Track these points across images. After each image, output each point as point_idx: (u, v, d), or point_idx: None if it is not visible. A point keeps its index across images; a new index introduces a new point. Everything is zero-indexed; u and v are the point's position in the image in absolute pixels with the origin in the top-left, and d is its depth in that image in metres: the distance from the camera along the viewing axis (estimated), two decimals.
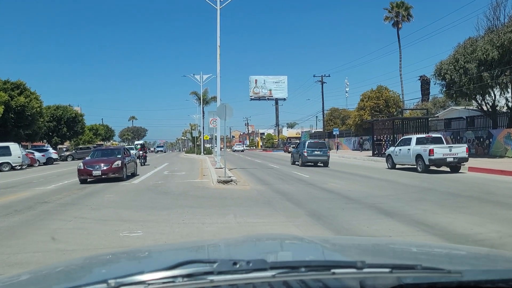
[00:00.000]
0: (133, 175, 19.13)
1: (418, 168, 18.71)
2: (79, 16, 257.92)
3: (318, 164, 24.47)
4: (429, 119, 30.97)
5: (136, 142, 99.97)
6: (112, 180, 16.42)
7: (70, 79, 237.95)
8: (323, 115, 58.80)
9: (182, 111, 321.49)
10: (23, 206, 10.61)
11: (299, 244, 2.26)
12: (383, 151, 30.76)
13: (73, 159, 43.60)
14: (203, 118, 51.70)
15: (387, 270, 1.17)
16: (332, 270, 1.15)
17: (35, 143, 48.02)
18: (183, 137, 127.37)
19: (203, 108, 51.77)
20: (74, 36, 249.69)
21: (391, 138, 30.65)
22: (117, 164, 16.79)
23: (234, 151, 70.40)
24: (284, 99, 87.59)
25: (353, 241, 2.78)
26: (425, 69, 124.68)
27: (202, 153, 45.83)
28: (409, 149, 19.71)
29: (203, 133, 48.96)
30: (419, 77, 50.94)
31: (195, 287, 1.10)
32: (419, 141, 19.70)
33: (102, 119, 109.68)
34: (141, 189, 14.08)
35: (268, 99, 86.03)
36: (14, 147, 29.51)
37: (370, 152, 37.05)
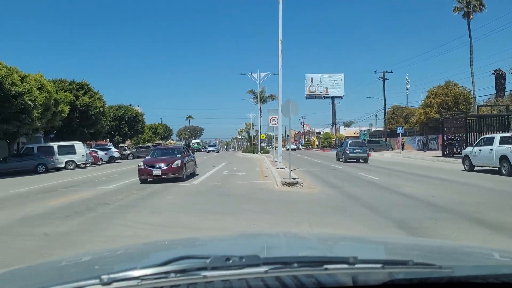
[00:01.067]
0: (193, 175, 18.66)
1: (503, 171, 16.67)
2: (135, 15, 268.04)
3: (360, 161, 27.74)
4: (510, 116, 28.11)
5: (193, 141, 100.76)
6: (171, 180, 15.96)
7: (130, 79, 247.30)
8: (385, 113, 56.10)
9: (237, 110, 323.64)
10: (84, 207, 10.24)
11: (293, 240, 2.30)
12: (455, 151, 28.49)
13: (133, 158, 44.56)
14: (260, 117, 51.15)
15: (379, 265, 1.16)
16: (325, 266, 1.14)
17: (98, 142, 49.69)
18: (238, 136, 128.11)
19: (260, 107, 51.13)
20: (131, 35, 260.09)
21: (464, 137, 28.27)
22: (177, 164, 16.33)
23: (287, 149, 69.51)
24: (341, 97, 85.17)
25: (346, 238, 2.76)
26: (500, 63, 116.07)
27: (259, 153, 45.14)
28: (491, 150, 17.67)
29: (259, 132, 48.32)
30: (493, 71, 47.00)
31: (188, 283, 1.09)
32: (504, 141, 17.58)
33: (160, 118, 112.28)
34: (201, 191, 13.43)
35: (324, 97, 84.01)
36: (78, 145, 30.35)
37: (437, 152, 34.86)
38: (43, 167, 26.49)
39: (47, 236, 7.16)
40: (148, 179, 16.23)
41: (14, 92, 23.41)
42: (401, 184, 14.04)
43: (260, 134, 48.27)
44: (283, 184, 13.59)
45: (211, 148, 76.13)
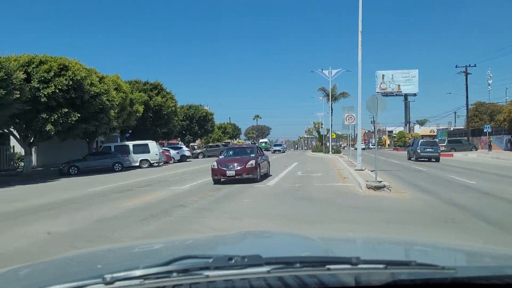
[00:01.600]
0: (266, 175, 17.85)
1: None
2: (203, 15, 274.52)
3: (431, 160, 27.90)
4: None
5: (260, 140, 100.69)
6: (245, 181, 15.25)
7: (197, 78, 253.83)
8: (467, 111, 51.75)
9: (305, 108, 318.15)
10: (159, 210, 9.75)
11: (295, 240, 2.29)
12: None
13: (203, 157, 44.94)
14: (331, 115, 49.46)
15: (381, 266, 1.15)
16: (327, 266, 1.13)
17: (170, 141, 50.86)
18: (306, 135, 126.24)
19: (331, 105, 49.44)
20: (200, 35, 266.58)
21: None
22: (251, 164, 15.58)
23: (355, 149, 66.45)
24: (415, 95, 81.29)
25: (350, 238, 2.66)
26: None
27: (330, 152, 43.57)
28: None
29: (331, 131, 46.68)
30: None
31: (191, 282, 1.08)
32: None
33: (229, 118, 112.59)
34: (278, 193, 12.53)
35: (396, 94, 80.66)
36: (152, 144, 30.87)
37: None
38: (119, 165, 27.18)
39: (123, 242, 6.61)
40: (222, 179, 15.67)
41: (93, 93, 24.12)
42: (504, 189, 12.18)
43: (331, 133, 46.62)
44: (368, 188, 12.30)
45: (276, 148, 67.64)
